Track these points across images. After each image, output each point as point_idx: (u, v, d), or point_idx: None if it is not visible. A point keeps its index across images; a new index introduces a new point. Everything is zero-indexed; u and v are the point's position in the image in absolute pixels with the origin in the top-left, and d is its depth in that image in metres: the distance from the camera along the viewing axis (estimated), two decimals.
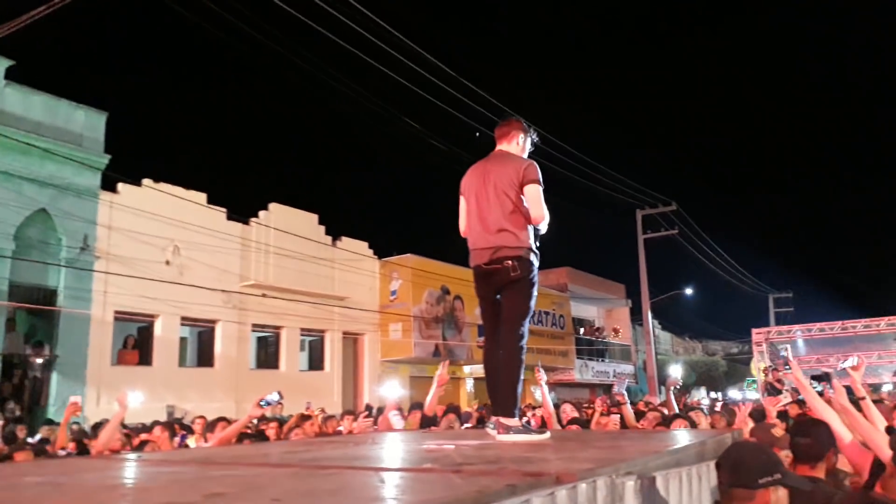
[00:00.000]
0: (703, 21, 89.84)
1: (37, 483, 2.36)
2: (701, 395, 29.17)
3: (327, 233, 18.45)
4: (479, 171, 3.77)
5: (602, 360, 27.72)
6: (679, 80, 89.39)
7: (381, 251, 20.06)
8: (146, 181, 14.38)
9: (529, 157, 3.86)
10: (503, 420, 3.47)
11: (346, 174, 60.48)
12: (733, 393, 28.91)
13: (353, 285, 18.66)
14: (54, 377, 12.78)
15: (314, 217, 18.11)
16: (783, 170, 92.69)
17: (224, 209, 15.91)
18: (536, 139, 3.94)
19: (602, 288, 29.06)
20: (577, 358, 25.89)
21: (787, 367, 4.22)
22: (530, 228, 3.65)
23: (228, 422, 5.95)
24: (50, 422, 10.09)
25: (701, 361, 32.89)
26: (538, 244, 3.74)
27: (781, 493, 2.29)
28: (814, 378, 4.79)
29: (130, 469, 2.79)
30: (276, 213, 17.08)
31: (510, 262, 3.55)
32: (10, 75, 12.81)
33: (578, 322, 27.35)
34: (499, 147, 3.86)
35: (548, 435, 3.51)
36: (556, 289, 25.86)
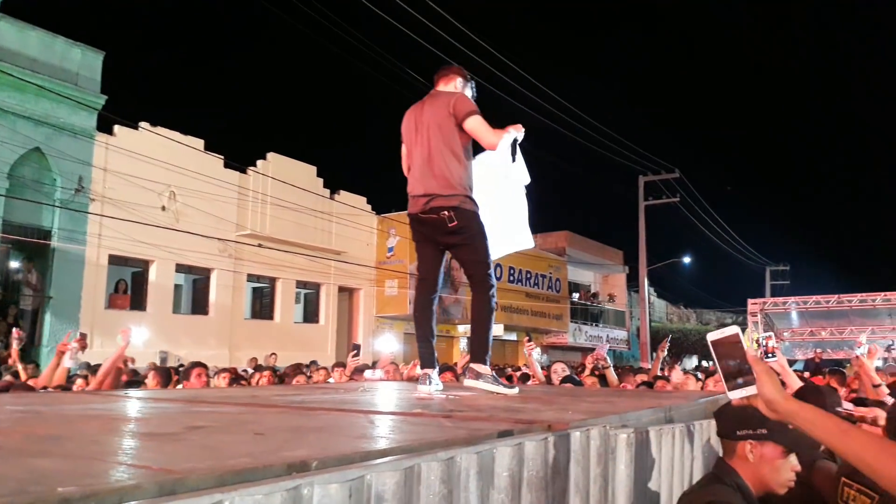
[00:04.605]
0: None
1: (16, 411, 2.32)
2: (693, 364, 29.38)
3: (326, 185, 18.29)
4: (414, 113, 3.58)
5: (596, 325, 27.84)
6: (686, 47, 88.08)
7: (380, 207, 19.96)
8: (143, 124, 14.14)
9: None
10: (474, 366, 3.45)
11: (347, 127, 59.95)
12: None
13: (351, 240, 18.58)
14: (47, 318, 12.78)
15: (313, 169, 17.91)
16: (787, 143, 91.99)
17: (221, 156, 15.71)
18: (475, 93, 3.71)
19: (600, 253, 28.99)
20: (572, 322, 25.99)
21: (773, 356, 4.15)
22: (466, 171, 3.47)
23: (205, 368, 5.80)
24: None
25: (695, 330, 33.03)
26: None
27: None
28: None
29: (115, 403, 2.75)
30: (275, 163, 16.87)
31: (446, 212, 3.37)
32: (6, 8, 12.50)
33: (574, 286, 27.36)
34: (435, 89, 3.67)
35: (517, 391, 3.43)
36: (553, 252, 25.79)
